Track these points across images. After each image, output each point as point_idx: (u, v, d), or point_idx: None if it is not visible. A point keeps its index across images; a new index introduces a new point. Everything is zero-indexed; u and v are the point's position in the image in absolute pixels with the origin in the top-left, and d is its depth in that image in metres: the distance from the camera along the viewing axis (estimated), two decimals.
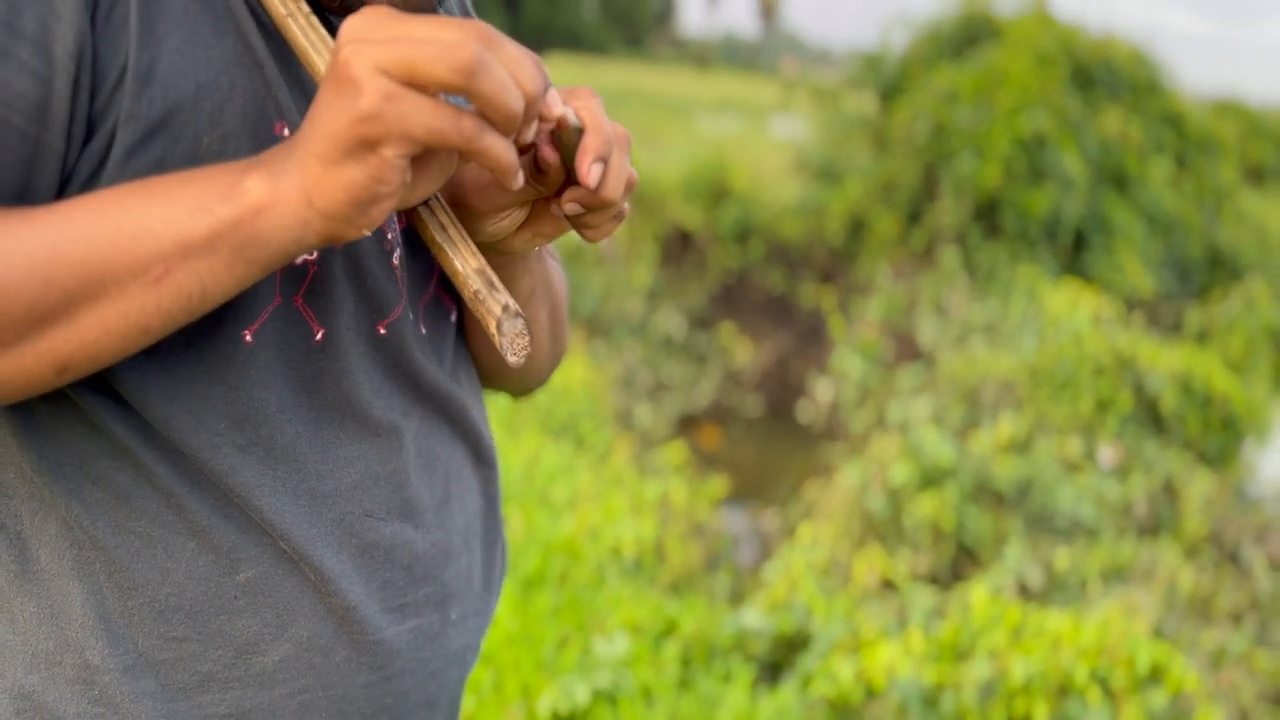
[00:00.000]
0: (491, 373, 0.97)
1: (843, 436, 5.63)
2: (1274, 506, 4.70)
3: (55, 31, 0.64)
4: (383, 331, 0.80)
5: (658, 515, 3.88)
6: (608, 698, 2.57)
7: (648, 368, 7.18)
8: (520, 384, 1.03)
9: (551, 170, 0.72)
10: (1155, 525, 4.27)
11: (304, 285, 0.74)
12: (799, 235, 7.98)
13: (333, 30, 0.76)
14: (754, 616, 3.08)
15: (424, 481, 0.84)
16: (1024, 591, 3.64)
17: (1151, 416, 4.82)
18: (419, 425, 0.84)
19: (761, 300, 8.05)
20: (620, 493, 3.91)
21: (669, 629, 2.99)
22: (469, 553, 0.89)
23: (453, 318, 0.89)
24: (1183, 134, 8.38)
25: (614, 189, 0.71)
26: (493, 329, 0.70)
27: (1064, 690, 2.67)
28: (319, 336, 0.76)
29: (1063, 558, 3.71)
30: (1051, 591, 3.65)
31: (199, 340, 0.72)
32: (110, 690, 0.73)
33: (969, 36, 8.42)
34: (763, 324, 7.95)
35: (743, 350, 7.58)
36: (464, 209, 0.78)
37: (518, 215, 0.78)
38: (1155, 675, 2.72)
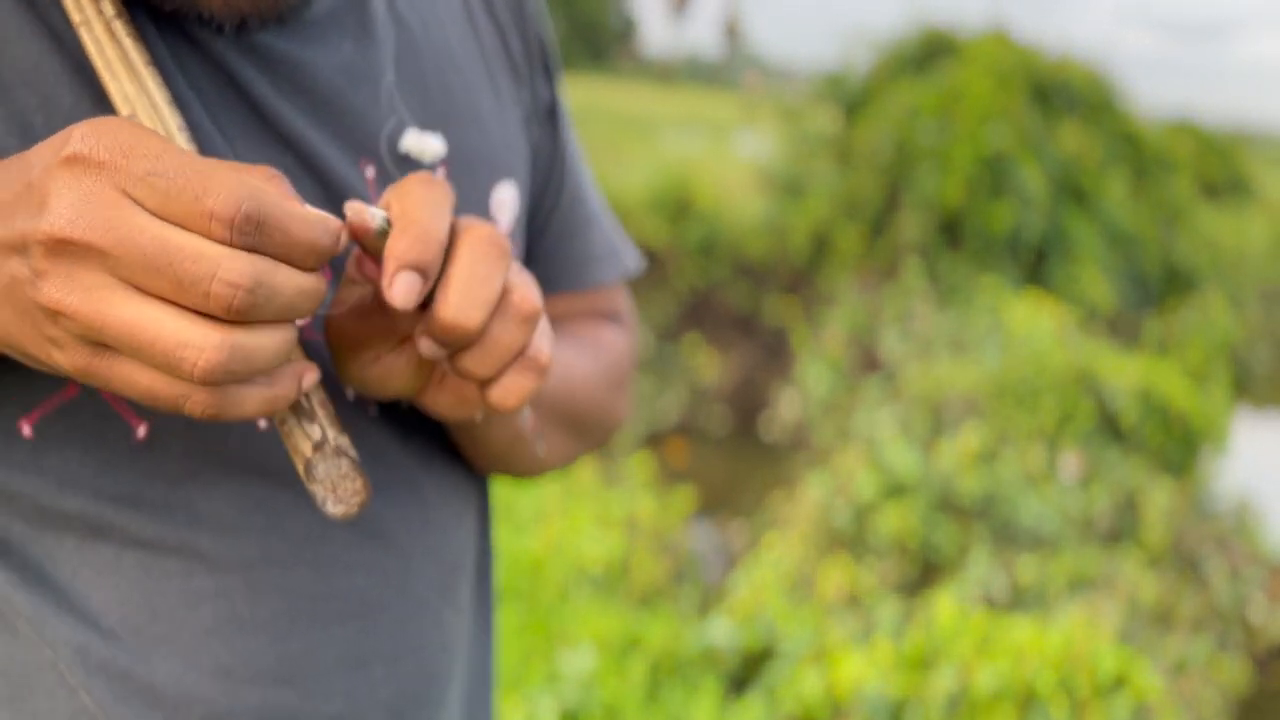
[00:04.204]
0: (484, 464, 0.73)
1: (808, 449, 5.65)
2: (1232, 516, 4.76)
3: None
4: (263, 424, 0.60)
5: (624, 530, 3.87)
6: (573, 714, 2.55)
7: None
8: (536, 474, 0.80)
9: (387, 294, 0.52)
10: (1117, 535, 4.31)
11: None
12: (764, 251, 8.02)
13: (163, 28, 0.58)
14: (721, 630, 3.07)
15: (321, 631, 0.62)
16: (989, 602, 3.66)
17: (1112, 428, 4.87)
18: (331, 553, 0.62)
19: (727, 316, 8.07)
20: (586, 508, 3.90)
21: (635, 643, 2.98)
22: None
23: (371, 411, 0.65)
24: (1139, 151, 8.52)
25: (458, 310, 0.52)
26: (301, 472, 0.53)
27: (1029, 699, 2.68)
28: (141, 433, 0.57)
29: (1027, 568, 3.73)
30: (1016, 602, 3.67)
31: None
32: None
33: (929, 54, 8.52)
34: (729, 339, 7.97)
35: (709, 366, 7.59)
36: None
37: (393, 362, 0.57)
38: (1119, 683, 2.74)
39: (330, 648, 0.62)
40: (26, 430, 0.56)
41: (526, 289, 0.55)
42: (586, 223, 0.84)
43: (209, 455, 0.58)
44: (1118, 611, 3.55)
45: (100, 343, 0.46)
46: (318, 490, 0.53)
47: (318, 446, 0.53)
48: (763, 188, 8.87)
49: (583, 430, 0.80)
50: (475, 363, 0.55)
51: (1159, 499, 4.34)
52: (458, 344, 0.54)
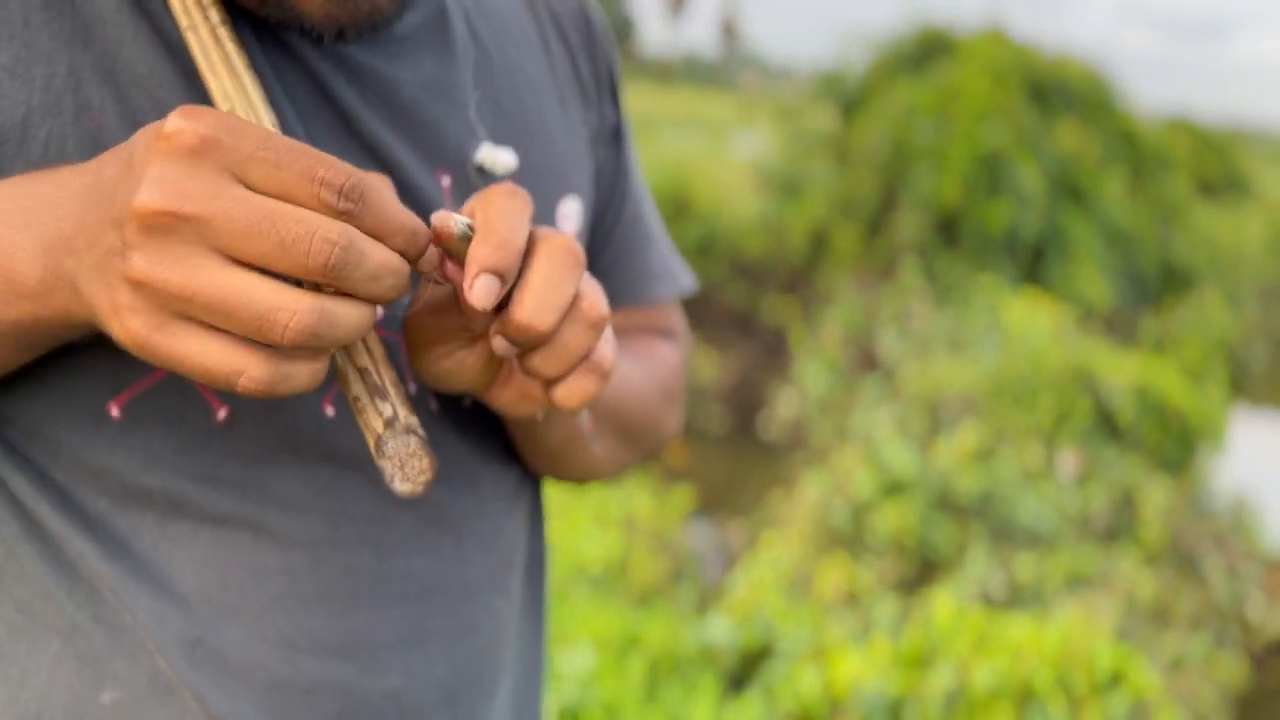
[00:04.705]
0: (539, 462, 0.76)
1: (806, 449, 5.65)
2: (1230, 514, 4.77)
3: None
4: (330, 411, 0.63)
5: (623, 529, 3.87)
6: (572, 713, 2.55)
7: None
8: (582, 479, 0.83)
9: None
10: (1115, 533, 4.31)
11: None
12: (761, 250, 8.03)
13: (263, 37, 0.63)
14: (719, 628, 3.08)
15: (381, 610, 0.65)
16: (987, 600, 3.66)
17: (1109, 426, 4.87)
18: (392, 536, 0.66)
19: (725, 316, 8.07)
20: (585, 507, 3.90)
21: (634, 642, 2.98)
22: (453, 714, 0.69)
23: (432, 405, 0.69)
24: (1137, 150, 8.53)
25: (532, 313, 0.55)
26: (371, 447, 0.55)
27: (1027, 697, 2.68)
28: (221, 415, 0.61)
29: (1024, 566, 3.73)
30: (1014, 600, 3.68)
31: (63, 401, 0.59)
32: None
33: (926, 53, 8.53)
34: (727, 339, 7.97)
35: (707, 365, 7.60)
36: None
37: (465, 359, 0.60)
38: (1116, 680, 2.75)
39: (389, 626, 0.66)
40: (115, 411, 0.59)
41: (596, 297, 0.58)
42: (645, 241, 0.88)
43: (282, 439, 0.62)
44: (1115, 609, 3.55)
45: (178, 312, 0.47)
46: (386, 466, 0.55)
47: (389, 423, 0.55)
48: (760, 187, 8.88)
49: (634, 440, 0.83)
50: (544, 363, 0.58)
51: (1156, 497, 4.35)
52: (529, 344, 0.57)
